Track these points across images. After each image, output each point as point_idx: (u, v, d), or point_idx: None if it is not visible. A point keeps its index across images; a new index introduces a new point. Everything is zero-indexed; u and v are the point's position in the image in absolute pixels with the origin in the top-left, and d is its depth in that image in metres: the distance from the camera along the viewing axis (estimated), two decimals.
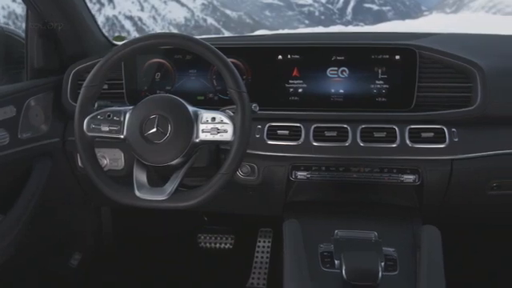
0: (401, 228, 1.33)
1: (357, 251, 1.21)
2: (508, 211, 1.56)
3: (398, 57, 1.38)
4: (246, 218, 2.13)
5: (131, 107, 1.21)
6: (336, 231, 1.30)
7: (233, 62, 1.35)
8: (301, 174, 1.43)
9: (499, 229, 1.91)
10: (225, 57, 1.16)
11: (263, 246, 2.15)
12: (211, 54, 1.16)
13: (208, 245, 2.20)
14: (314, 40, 1.51)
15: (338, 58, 1.40)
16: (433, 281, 1.13)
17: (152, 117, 1.16)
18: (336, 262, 1.20)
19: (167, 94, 1.22)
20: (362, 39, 1.52)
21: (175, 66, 1.48)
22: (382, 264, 1.18)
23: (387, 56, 1.39)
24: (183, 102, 1.18)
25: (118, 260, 2.11)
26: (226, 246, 2.19)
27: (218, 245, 2.20)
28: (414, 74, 1.38)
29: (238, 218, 2.15)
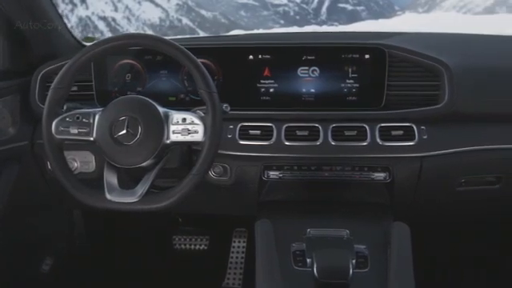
0: (372, 225, 1.35)
1: (328, 249, 1.22)
2: (475, 207, 1.59)
3: (367, 56, 1.40)
4: (221, 219, 2.13)
5: (101, 109, 1.20)
6: (308, 230, 1.31)
7: (204, 63, 1.35)
8: (273, 174, 1.44)
9: (468, 225, 1.95)
10: (195, 57, 1.16)
11: (238, 247, 2.16)
12: (181, 55, 1.16)
13: (183, 246, 2.19)
14: (285, 40, 1.51)
15: (309, 57, 1.41)
16: (402, 277, 1.15)
17: (122, 118, 1.15)
18: (308, 260, 1.21)
19: (137, 95, 1.21)
20: (332, 39, 1.53)
21: (146, 66, 1.47)
22: (353, 261, 1.19)
23: (357, 55, 1.40)
24: (153, 103, 1.17)
25: (90, 264, 2.08)
26: (201, 247, 2.19)
27: (192, 246, 2.19)
28: (383, 73, 1.39)
29: (213, 218, 2.14)
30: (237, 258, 2.12)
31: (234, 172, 1.43)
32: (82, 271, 2.03)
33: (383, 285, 1.15)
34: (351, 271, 1.15)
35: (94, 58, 1.19)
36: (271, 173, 1.44)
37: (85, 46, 1.72)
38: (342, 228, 1.31)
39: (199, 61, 1.17)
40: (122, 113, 1.16)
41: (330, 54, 1.41)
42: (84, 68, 1.22)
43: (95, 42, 1.20)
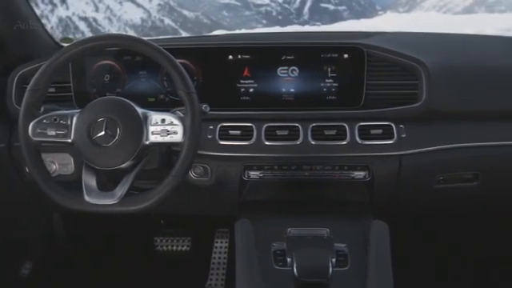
0: (352, 224, 1.36)
1: (308, 248, 1.23)
2: (453, 204, 1.61)
3: (346, 55, 1.41)
4: (203, 220, 2.13)
5: (79, 110, 1.19)
6: (289, 229, 1.32)
7: (183, 63, 1.35)
8: (253, 174, 1.44)
9: (447, 222, 1.98)
10: (173, 58, 1.16)
11: (220, 247, 2.15)
12: (159, 55, 1.16)
13: (165, 248, 2.18)
14: (265, 40, 1.52)
15: (288, 57, 1.42)
16: (381, 275, 1.16)
17: (100, 120, 1.14)
18: (288, 259, 1.22)
19: (115, 96, 1.20)
20: (312, 38, 1.54)
21: (125, 67, 1.46)
22: (333, 260, 1.20)
23: (336, 55, 1.41)
24: (132, 103, 1.17)
25: (71, 267, 2.06)
26: (183, 249, 2.18)
27: (174, 247, 2.18)
28: (362, 72, 1.40)
29: (195, 219, 2.14)
30: (219, 258, 2.12)
31: (214, 172, 1.43)
32: (63, 275, 2.01)
33: (362, 283, 1.16)
34: (331, 270, 1.16)
35: (71, 58, 1.18)
36: (252, 173, 1.44)
37: (62, 46, 1.71)
38: (323, 227, 1.32)
39: (178, 61, 1.17)
40: (100, 114, 1.15)
41: (309, 53, 1.42)
42: (62, 69, 1.21)
43: (73, 42, 1.19)
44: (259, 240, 1.28)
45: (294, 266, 1.17)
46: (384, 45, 1.44)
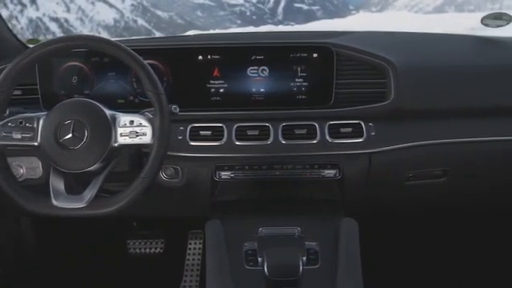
0: (323, 222, 1.37)
1: (279, 247, 1.24)
2: (423, 200, 1.64)
3: (315, 55, 1.42)
4: (177, 221, 2.12)
5: (45, 113, 1.17)
6: (260, 229, 1.32)
7: (152, 64, 1.34)
8: (225, 174, 1.44)
9: (417, 219, 2.01)
10: (141, 59, 1.15)
11: (194, 248, 2.15)
12: (127, 56, 1.15)
13: (138, 250, 2.16)
14: (236, 40, 1.52)
15: (258, 57, 1.42)
16: (350, 272, 1.18)
17: (67, 122, 1.13)
18: (259, 259, 1.22)
19: (83, 98, 1.19)
20: (281, 38, 1.55)
21: (93, 68, 1.44)
22: (304, 258, 1.21)
23: (305, 54, 1.42)
24: (100, 105, 1.16)
25: (41, 273, 2.02)
26: (157, 251, 2.16)
27: (148, 250, 2.16)
28: (331, 72, 1.41)
29: (168, 221, 2.12)
30: (193, 259, 2.11)
31: (185, 173, 1.42)
32: (32, 282, 1.97)
33: (332, 280, 1.17)
34: (301, 268, 1.17)
35: (37, 60, 1.16)
36: (223, 173, 1.44)
37: (29, 47, 1.67)
38: (294, 226, 1.33)
39: (147, 62, 1.16)
40: (67, 116, 1.13)
41: (279, 53, 1.43)
42: (28, 71, 1.18)
43: (38, 43, 1.17)
44: (231, 240, 1.29)
45: (265, 265, 1.17)
46: (353, 44, 1.45)
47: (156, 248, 2.17)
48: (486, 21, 1.64)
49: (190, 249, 2.15)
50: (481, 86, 1.46)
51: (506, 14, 1.63)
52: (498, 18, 1.63)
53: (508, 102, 1.46)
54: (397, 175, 1.47)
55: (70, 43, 1.17)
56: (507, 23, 1.62)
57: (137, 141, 1.14)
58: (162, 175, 1.43)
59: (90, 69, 1.44)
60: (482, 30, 1.72)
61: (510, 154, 1.47)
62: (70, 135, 1.12)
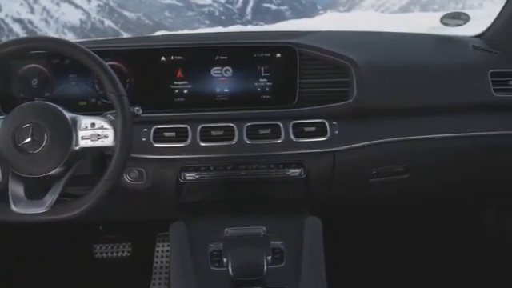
0: (289, 221, 1.37)
1: (244, 247, 1.24)
2: (387, 198, 1.67)
3: (279, 55, 1.42)
4: (144, 224, 2.09)
5: (3, 117, 1.14)
6: (226, 229, 1.32)
7: (114, 65, 1.33)
8: (190, 176, 1.43)
9: (382, 217, 2.04)
10: (101, 60, 1.14)
11: (162, 251, 2.13)
12: (87, 58, 1.13)
13: (104, 255, 2.13)
14: (201, 40, 1.51)
15: (222, 57, 1.42)
16: (314, 269, 1.19)
17: (26, 126, 1.10)
18: (224, 260, 1.22)
19: (42, 101, 1.17)
20: (245, 38, 1.55)
21: (53, 70, 1.41)
22: (269, 258, 1.21)
23: (269, 54, 1.42)
24: (60, 108, 1.13)
25: (4, 281, 1.97)
26: (124, 255, 2.14)
27: (115, 254, 2.13)
28: (295, 71, 1.42)
29: (135, 224, 2.10)
30: (162, 262, 2.09)
31: (150, 176, 1.41)
32: None
33: (297, 278, 1.18)
34: (265, 267, 1.17)
35: None
36: (188, 174, 1.43)
37: None
38: (259, 225, 1.33)
39: (110, 63, 1.15)
40: (25, 120, 1.11)
41: (242, 53, 1.43)
42: None
43: None
44: (196, 242, 1.28)
45: (229, 265, 1.17)
46: (316, 43, 1.47)
47: (123, 252, 2.14)
48: (446, 20, 1.68)
49: (158, 251, 2.13)
50: (440, 84, 1.49)
51: (464, 13, 1.67)
52: (456, 18, 1.67)
53: (465, 99, 1.50)
54: (360, 173, 1.49)
55: (28, 45, 1.15)
56: (465, 22, 1.67)
57: (98, 143, 1.13)
58: (126, 178, 1.41)
59: (50, 71, 1.41)
60: (442, 29, 1.76)
61: (467, 150, 1.51)
62: (28, 139, 1.10)
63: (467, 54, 1.62)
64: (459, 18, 1.66)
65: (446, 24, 1.69)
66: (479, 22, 1.79)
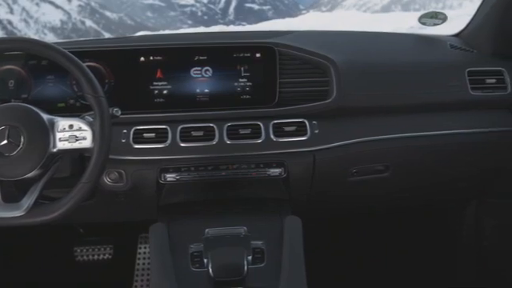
0: (270, 221, 1.38)
1: (225, 248, 1.24)
2: (367, 197, 1.68)
3: (258, 55, 1.43)
4: (125, 226, 2.08)
5: None
6: (207, 230, 1.32)
7: (93, 66, 1.32)
8: (170, 176, 1.42)
9: (363, 216, 2.06)
10: (79, 61, 1.12)
11: (144, 253, 2.12)
12: (64, 59, 1.12)
13: (85, 258, 2.11)
14: (181, 40, 1.51)
15: (201, 57, 1.42)
16: (293, 268, 1.19)
17: (1, 128, 1.09)
18: (205, 260, 1.22)
19: (18, 103, 1.15)
20: (225, 38, 1.55)
21: (30, 72, 1.39)
22: (249, 258, 1.21)
23: (248, 54, 1.43)
24: (36, 109, 1.12)
25: None
26: (105, 257, 2.12)
27: (96, 256, 2.11)
28: (274, 71, 1.43)
29: (116, 226, 2.08)
30: (143, 264, 2.08)
31: (130, 177, 1.40)
32: None
33: (277, 278, 1.19)
34: (246, 267, 1.17)
35: None
36: (168, 175, 1.42)
37: None
38: (240, 225, 1.33)
39: (88, 64, 1.14)
40: (1, 122, 1.09)
41: (222, 53, 1.43)
42: None
43: None
44: (177, 242, 1.28)
45: (210, 266, 1.17)
46: (296, 43, 1.47)
47: (105, 254, 2.12)
48: (424, 20, 1.70)
49: (139, 253, 2.12)
50: (418, 83, 1.51)
51: (441, 13, 1.70)
52: (434, 17, 1.69)
53: (443, 97, 1.52)
54: (341, 172, 1.49)
55: (3, 46, 1.13)
56: (442, 22, 1.69)
57: (77, 145, 1.11)
58: (106, 179, 1.40)
59: (27, 72, 1.40)
60: (420, 29, 1.78)
61: (444, 148, 1.53)
62: (5, 141, 1.08)
63: (445, 52, 1.64)
64: (437, 17, 1.68)
65: (423, 23, 1.71)
66: (459, 21, 1.81)
